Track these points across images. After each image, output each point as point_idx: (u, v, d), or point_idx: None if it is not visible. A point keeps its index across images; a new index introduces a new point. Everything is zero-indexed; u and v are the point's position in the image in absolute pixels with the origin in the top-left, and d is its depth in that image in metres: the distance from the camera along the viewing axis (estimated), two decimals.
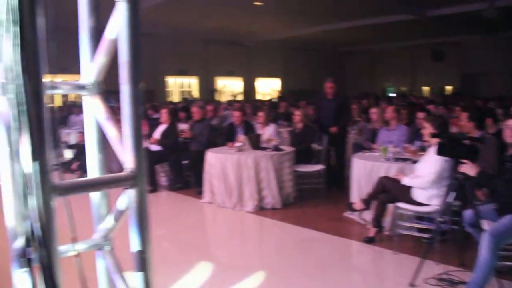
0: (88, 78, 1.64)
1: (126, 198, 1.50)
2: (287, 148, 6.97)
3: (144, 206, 1.47)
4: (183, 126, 8.64)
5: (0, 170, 1.58)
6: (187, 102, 16.62)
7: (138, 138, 1.44)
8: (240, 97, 23.72)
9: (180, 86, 23.42)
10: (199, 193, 7.17)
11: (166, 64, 20.53)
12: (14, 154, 1.36)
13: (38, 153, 1.20)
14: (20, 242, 1.53)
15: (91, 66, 1.64)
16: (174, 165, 7.83)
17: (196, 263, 4.50)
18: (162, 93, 21.44)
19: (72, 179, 1.44)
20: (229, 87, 25.06)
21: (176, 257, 4.77)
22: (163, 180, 8.15)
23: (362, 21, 18.16)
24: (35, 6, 1.22)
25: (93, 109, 1.64)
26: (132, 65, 1.43)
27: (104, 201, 1.73)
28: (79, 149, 9.22)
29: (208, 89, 23.61)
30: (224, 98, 22.86)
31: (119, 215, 1.58)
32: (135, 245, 1.48)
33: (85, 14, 1.67)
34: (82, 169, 8.83)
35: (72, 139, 10.54)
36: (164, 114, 8.08)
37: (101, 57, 1.59)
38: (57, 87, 1.61)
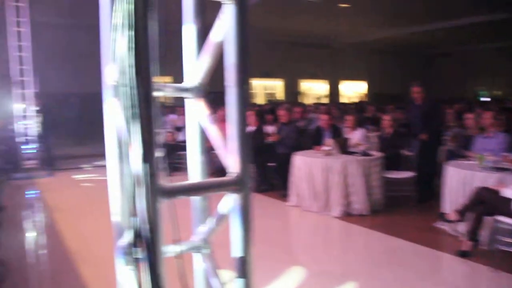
0: (192, 80, 1.64)
1: (229, 202, 1.48)
2: (376, 153, 6.76)
3: (248, 212, 1.44)
4: (269, 129, 8.66)
5: (108, 169, 1.62)
6: (273, 104, 16.68)
7: (244, 142, 1.41)
8: (324, 100, 23.48)
9: (264, 88, 23.59)
10: (284, 196, 7.14)
11: (251, 66, 20.71)
12: (124, 155, 1.39)
13: (148, 155, 1.21)
14: (126, 240, 1.56)
15: (195, 69, 1.64)
16: (260, 167, 7.87)
17: (282, 266, 4.46)
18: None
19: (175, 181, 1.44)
20: (313, 89, 24.90)
21: (262, 260, 4.76)
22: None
23: (455, 22, 17.26)
24: (148, 10, 1.23)
25: (196, 112, 1.64)
26: (240, 67, 1.41)
27: (205, 203, 1.72)
28: (168, 149, 9.55)
29: (292, 92, 23.59)
30: (308, 100, 22.73)
31: (221, 219, 1.57)
32: (237, 250, 1.46)
33: (191, 17, 1.67)
34: (170, 168, 9.14)
35: (161, 138, 10.95)
36: (251, 117, 8.14)
37: (206, 60, 1.58)
38: (160, 89, 1.63)
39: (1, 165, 8.89)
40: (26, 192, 8.35)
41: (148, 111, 1.19)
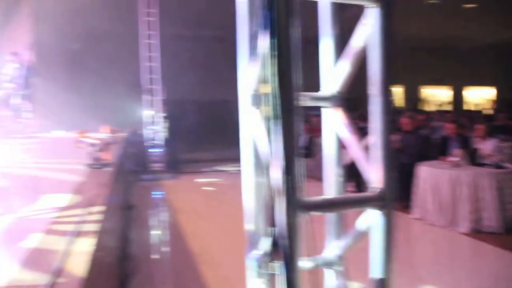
0: (329, 88, 1.58)
1: (370, 218, 1.39)
2: (511, 166, 6.19)
3: (391, 231, 1.33)
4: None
5: (243, 177, 1.61)
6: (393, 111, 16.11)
7: (388, 154, 1.31)
8: (446, 107, 22.18)
9: None
10: (406, 208, 6.80)
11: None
12: (264, 166, 1.36)
13: (289, 168, 1.16)
14: (259, 252, 1.54)
15: (332, 77, 1.57)
16: None
17: (407, 284, 4.22)
18: (367, 101, 21.16)
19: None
20: (435, 96, 23.65)
21: None
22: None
23: None
24: (290, 18, 1.19)
25: (334, 122, 1.57)
26: (385, 75, 1.32)
27: (339, 216, 1.64)
28: None
29: (411, 98, 22.62)
30: (429, 107, 21.64)
31: (358, 236, 1.48)
32: (376, 271, 1.36)
33: (328, 23, 1.61)
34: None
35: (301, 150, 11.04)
36: None
37: (345, 67, 1.51)
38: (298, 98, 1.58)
39: (131, 167, 9.54)
40: (152, 193, 8.86)
41: (291, 122, 1.14)
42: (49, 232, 2.90)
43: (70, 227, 2.84)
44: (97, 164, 5.35)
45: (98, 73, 13.17)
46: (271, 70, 1.17)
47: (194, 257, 5.01)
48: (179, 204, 7.64)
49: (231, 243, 5.13)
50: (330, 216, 1.64)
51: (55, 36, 12.22)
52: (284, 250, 1.21)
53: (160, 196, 8.70)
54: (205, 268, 4.66)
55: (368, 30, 1.36)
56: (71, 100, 12.31)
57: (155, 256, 5.20)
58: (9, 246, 2.77)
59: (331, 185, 1.60)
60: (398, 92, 22.89)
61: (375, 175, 1.35)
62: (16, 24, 12.48)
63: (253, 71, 1.45)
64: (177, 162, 10.87)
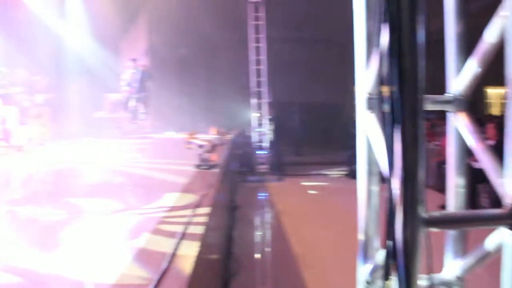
0: (453, 91, 1.43)
1: (499, 238, 1.22)
2: None
3: None
4: None
5: (359, 185, 1.50)
6: None
7: None
8: None
9: (501, 97, 21.16)
10: None
11: (485, 73, 18.77)
12: (381, 175, 1.26)
13: (411, 179, 1.04)
14: (371, 266, 1.43)
15: (458, 78, 1.42)
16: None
17: None
18: (481, 104, 19.73)
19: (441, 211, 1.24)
20: None
21: None
22: (484, 201, 7.36)
23: None
24: (416, 13, 1.07)
25: (458, 127, 1.41)
26: None
27: (462, 233, 1.48)
28: None
29: None
30: None
31: (483, 256, 1.31)
32: None
33: (451, 19, 1.46)
34: None
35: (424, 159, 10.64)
36: (490, 129, 7.28)
37: (474, 66, 1.35)
38: None
39: (237, 168, 9.71)
40: (257, 194, 8.93)
41: (414, 128, 1.02)
42: (158, 232, 3.00)
43: (179, 227, 2.91)
44: (204, 165, 5.49)
45: (208, 77, 13.66)
46: (392, 71, 1.06)
47: (297, 260, 4.94)
48: (283, 206, 7.61)
49: (337, 250, 4.98)
50: (451, 231, 1.48)
51: (167, 43, 12.90)
52: (401, 267, 1.10)
53: (265, 197, 8.75)
54: (308, 272, 4.56)
55: (506, 23, 1.20)
56: (182, 103, 12.89)
57: (258, 257, 5.21)
58: (125, 241, 2.91)
59: (454, 197, 1.45)
60: None
61: (508, 189, 1.18)
62: (134, 33, 13.38)
63: (370, 71, 1.35)
64: (282, 164, 10.88)
